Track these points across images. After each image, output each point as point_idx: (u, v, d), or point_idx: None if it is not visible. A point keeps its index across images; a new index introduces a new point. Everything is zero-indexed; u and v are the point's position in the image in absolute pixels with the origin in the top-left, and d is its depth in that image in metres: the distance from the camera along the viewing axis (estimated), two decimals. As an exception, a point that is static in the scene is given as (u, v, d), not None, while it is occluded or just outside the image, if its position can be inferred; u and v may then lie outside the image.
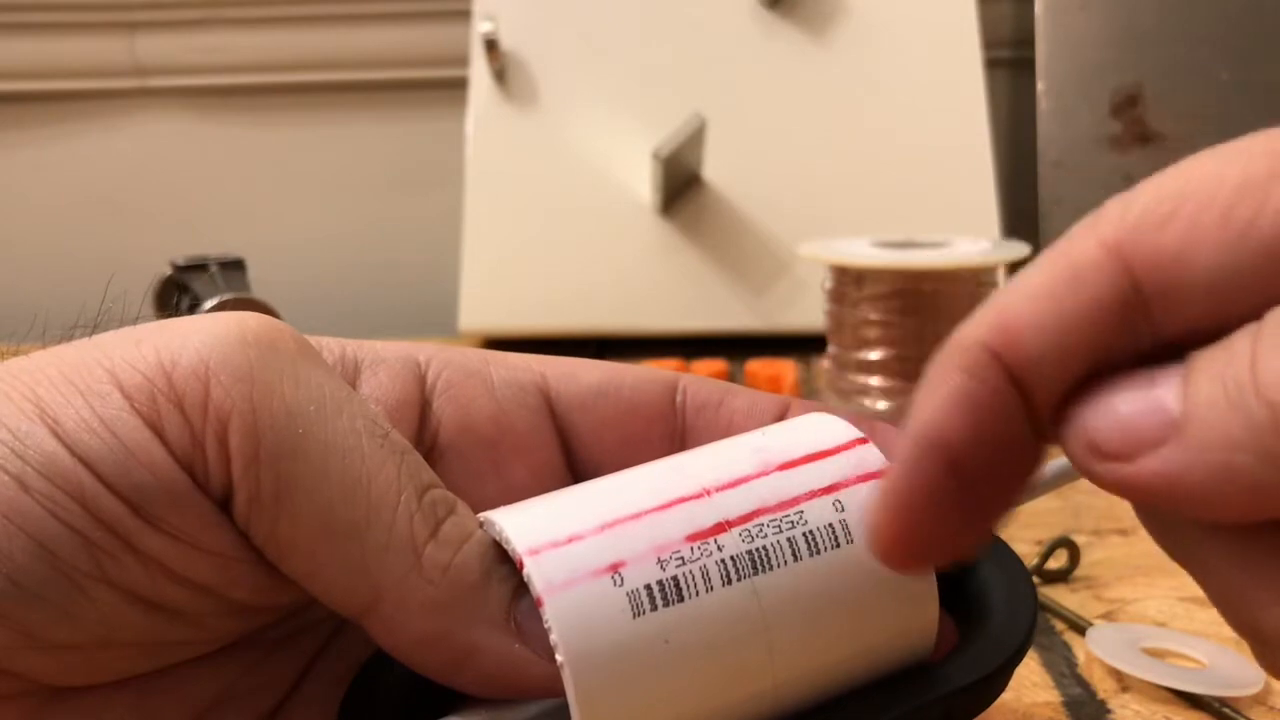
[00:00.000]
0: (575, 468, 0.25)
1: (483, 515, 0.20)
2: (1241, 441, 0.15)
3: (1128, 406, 0.16)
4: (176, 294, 0.67)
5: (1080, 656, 0.34)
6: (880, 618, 0.20)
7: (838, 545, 0.20)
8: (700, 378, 0.26)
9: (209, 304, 0.61)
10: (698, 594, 0.19)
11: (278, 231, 0.95)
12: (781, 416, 0.24)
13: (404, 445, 0.20)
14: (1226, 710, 0.30)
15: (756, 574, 0.19)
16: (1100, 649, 0.33)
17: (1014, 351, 0.16)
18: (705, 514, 0.20)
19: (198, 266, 0.67)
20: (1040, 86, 0.80)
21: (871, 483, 0.20)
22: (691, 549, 0.19)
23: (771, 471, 0.20)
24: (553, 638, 0.18)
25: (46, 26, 0.93)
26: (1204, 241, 0.15)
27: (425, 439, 0.23)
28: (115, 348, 0.20)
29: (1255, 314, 0.15)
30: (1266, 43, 0.78)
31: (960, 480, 0.17)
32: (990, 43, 0.81)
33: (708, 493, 0.20)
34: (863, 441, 0.21)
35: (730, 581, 0.19)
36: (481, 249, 0.78)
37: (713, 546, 0.19)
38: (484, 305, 0.77)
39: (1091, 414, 0.17)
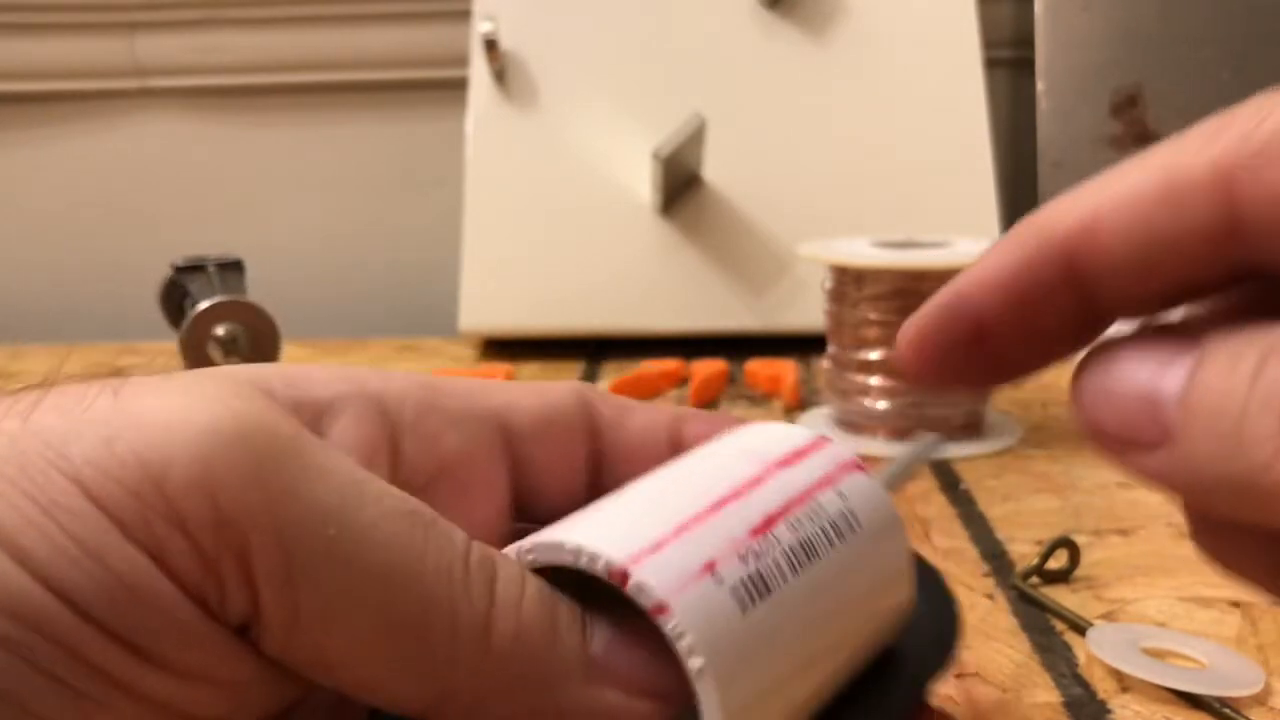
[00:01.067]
0: (520, 498, 0.24)
1: (520, 546, 0.19)
2: (1231, 480, 0.15)
3: (1129, 399, 0.16)
4: (180, 296, 0.67)
5: (1080, 657, 0.34)
6: (887, 592, 0.22)
7: (853, 530, 0.21)
8: (603, 394, 0.25)
9: (202, 305, 0.61)
10: (780, 585, 0.20)
11: (277, 231, 0.95)
12: (676, 429, 0.25)
13: (429, 512, 0.18)
14: (1227, 710, 0.30)
15: (809, 561, 0.20)
16: (1100, 649, 0.33)
17: (1092, 256, 0.16)
18: (752, 511, 0.20)
19: (196, 268, 0.68)
20: (1040, 86, 0.80)
21: (858, 472, 0.22)
22: (758, 544, 0.20)
23: (773, 470, 0.21)
24: (685, 642, 0.18)
25: (46, 27, 0.93)
26: None
27: (399, 482, 0.21)
28: (75, 447, 0.16)
29: None
30: (1266, 43, 0.78)
31: (982, 339, 0.17)
32: (990, 43, 0.81)
33: (739, 493, 0.20)
34: (824, 439, 0.23)
35: (797, 570, 0.20)
36: (481, 249, 0.78)
37: (773, 539, 0.20)
38: (484, 305, 0.77)
39: (1095, 397, 0.16)
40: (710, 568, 0.19)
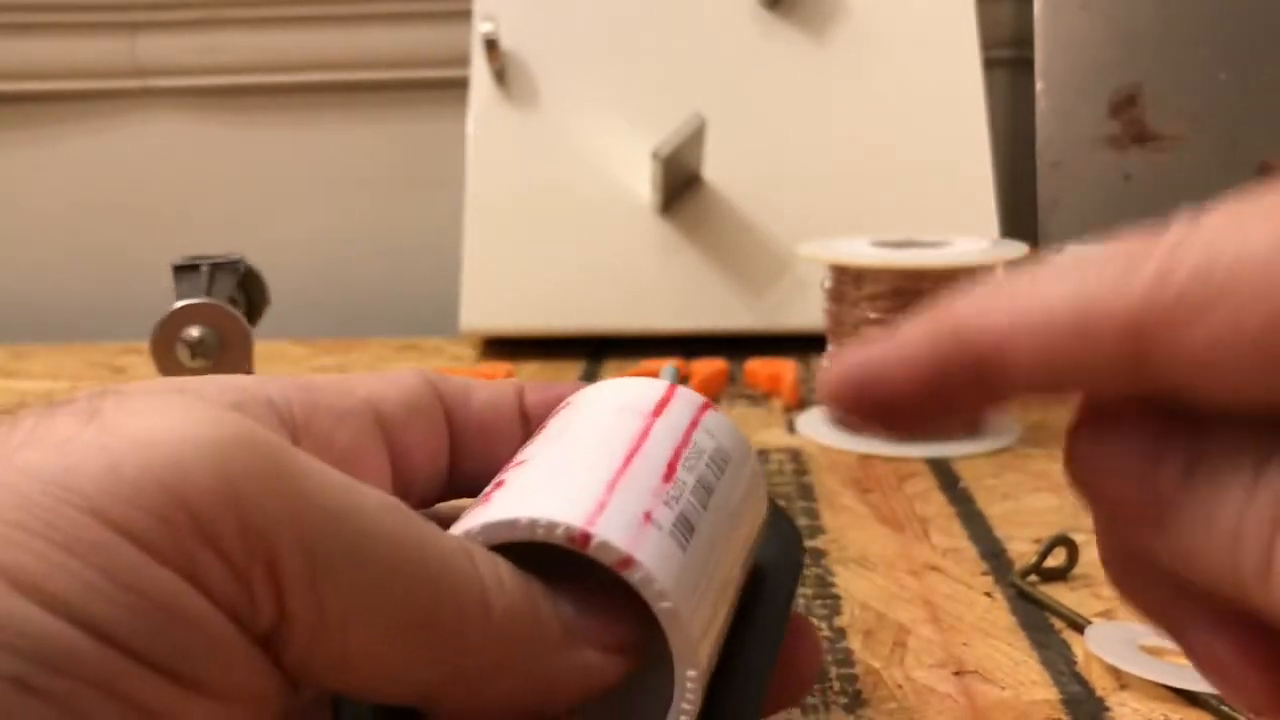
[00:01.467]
0: (396, 486, 0.24)
1: (465, 528, 0.20)
2: (1219, 575, 0.15)
3: (1127, 480, 0.16)
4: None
5: (1079, 654, 0.35)
6: (756, 511, 0.25)
7: (727, 461, 0.24)
8: (441, 376, 0.26)
9: (175, 307, 0.61)
10: (699, 521, 0.21)
11: (278, 231, 0.95)
12: (520, 399, 0.26)
13: (403, 504, 0.18)
14: (1224, 708, 0.31)
15: (709, 496, 0.22)
16: (1099, 647, 0.34)
17: (1003, 369, 0.16)
18: (655, 460, 0.22)
19: (190, 267, 0.67)
20: (1039, 86, 0.81)
21: (712, 410, 0.25)
22: (673, 489, 0.21)
23: (651, 420, 0.23)
24: (655, 588, 0.19)
25: (47, 27, 0.93)
26: (1236, 351, 0.14)
27: None
28: (79, 479, 0.15)
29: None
30: (1265, 43, 0.78)
31: (891, 407, 0.17)
32: (989, 43, 0.81)
33: (636, 447, 0.22)
34: (673, 386, 0.25)
35: (705, 506, 0.22)
36: (482, 249, 0.78)
37: (681, 482, 0.22)
38: (484, 305, 0.77)
39: (1090, 471, 0.17)
40: (648, 516, 0.20)
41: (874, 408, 0.17)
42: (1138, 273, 0.15)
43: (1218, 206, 0.15)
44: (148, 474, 0.15)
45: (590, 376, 0.69)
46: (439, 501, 0.26)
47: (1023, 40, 0.84)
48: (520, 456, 0.23)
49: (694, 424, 0.24)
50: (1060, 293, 0.15)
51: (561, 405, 0.25)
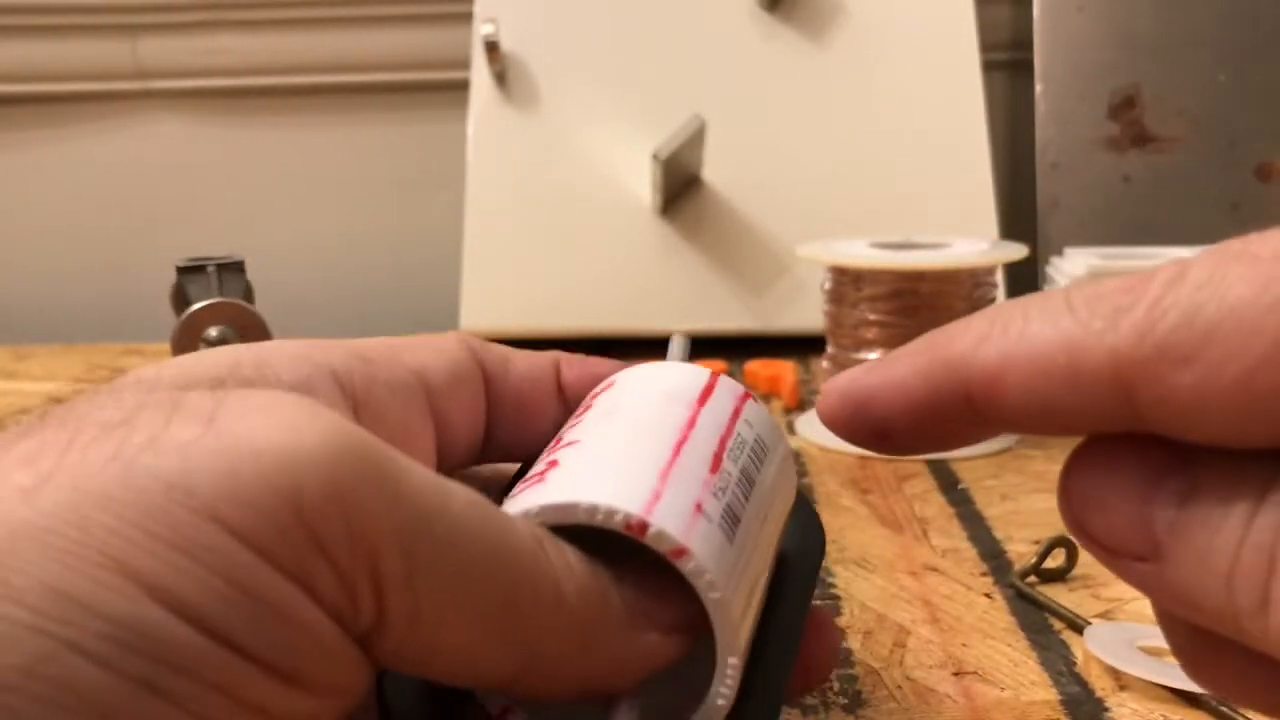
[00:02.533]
0: (437, 454, 0.25)
1: (525, 507, 0.20)
2: (1216, 612, 0.15)
3: (1119, 514, 0.16)
4: (184, 297, 0.67)
5: (1078, 655, 0.35)
6: (788, 500, 0.26)
7: (765, 452, 0.24)
8: (483, 344, 0.26)
9: (193, 308, 0.61)
10: (742, 511, 0.22)
11: (279, 233, 0.96)
12: (557, 372, 0.27)
13: (486, 500, 0.19)
14: (1224, 708, 0.31)
15: (751, 487, 0.23)
16: (1098, 648, 0.34)
17: (994, 404, 0.17)
18: (701, 448, 0.22)
19: (196, 268, 0.68)
20: (1038, 88, 0.81)
21: (750, 400, 0.25)
22: (719, 480, 0.22)
23: (697, 409, 0.24)
24: (706, 579, 0.20)
25: (48, 29, 0.94)
26: (1220, 398, 0.14)
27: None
28: (198, 483, 0.15)
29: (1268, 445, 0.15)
30: (1264, 44, 0.79)
31: (885, 432, 0.18)
32: (988, 45, 0.82)
33: (685, 436, 0.22)
34: (716, 374, 0.26)
35: (748, 497, 0.22)
36: (482, 250, 0.79)
37: (727, 473, 0.22)
38: (485, 306, 0.77)
39: (1085, 501, 0.17)
40: (699, 508, 0.21)
41: (869, 432, 0.18)
42: (1126, 318, 0.15)
43: (1203, 255, 0.15)
44: (266, 482, 0.16)
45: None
46: (473, 465, 0.26)
47: (1022, 42, 0.84)
48: (572, 435, 0.23)
49: (736, 414, 0.24)
50: (1051, 335, 0.16)
51: (605, 385, 0.26)
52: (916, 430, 0.18)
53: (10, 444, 0.17)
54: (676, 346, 0.32)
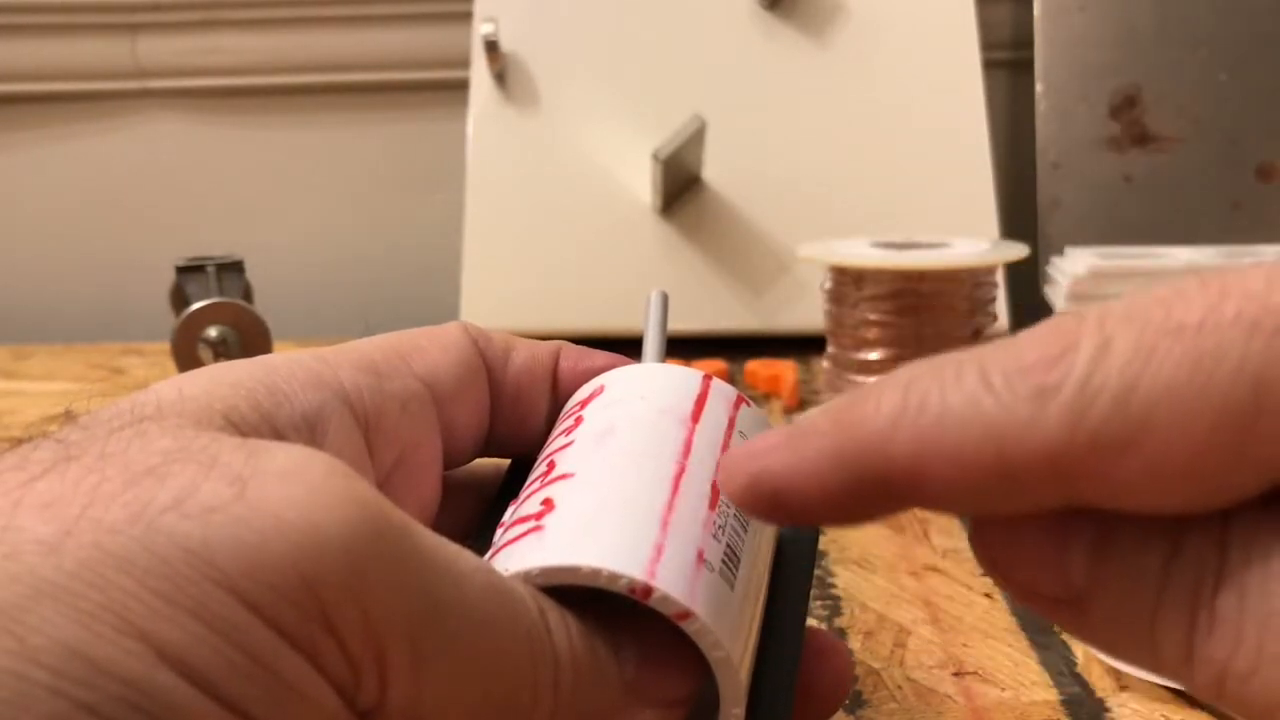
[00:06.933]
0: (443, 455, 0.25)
1: (525, 571, 0.20)
2: (1138, 657, 0.15)
3: (1036, 563, 0.16)
4: (184, 296, 0.67)
5: (1079, 655, 0.35)
6: None
7: None
8: (483, 332, 0.26)
9: (193, 307, 0.61)
10: (741, 547, 0.22)
11: (279, 233, 0.96)
12: (554, 364, 0.26)
13: (494, 569, 0.19)
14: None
15: (749, 519, 0.22)
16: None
17: (916, 495, 0.16)
18: (699, 482, 0.22)
19: (196, 268, 0.68)
20: (1039, 88, 0.81)
21: (745, 405, 0.25)
22: (718, 516, 0.21)
23: (693, 428, 0.23)
24: (710, 639, 0.19)
25: (48, 28, 0.93)
26: (1158, 483, 0.14)
27: (375, 482, 0.22)
28: (222, 555, 0.16)
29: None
30: (1264, 44, 0.79)
31: (798, 515, 0.17)
32: (989, 44, 0.82)
33: (683, 466, 0.22)
34: (708, 377, 0.25)
35: (745, 528, 0.22)
36: (482, 250, 0.78)
37: (724, 507, 0.22)
38: (484, 306, 0.77)
39: (999, 548, 0.16)
40: (700, 557, 0.20)
41: (785, 520, 0.17)
42: (1053, 403, 0.14)
43: (1124, 317, 0.14)
44: (285, 560, 0.16)
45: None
46: (473, 459, 0.26)
47: (1022, 42, 0.84)
48: (565, 463, 0.22)
49: (730, 425, 0.24)
50: (974, 421, 0.15)
51: (595, 391, 0.25)
52: (836, 515, 0.17)
53: (29, 480, 0.16)
54: (655, 305, 0.31)
